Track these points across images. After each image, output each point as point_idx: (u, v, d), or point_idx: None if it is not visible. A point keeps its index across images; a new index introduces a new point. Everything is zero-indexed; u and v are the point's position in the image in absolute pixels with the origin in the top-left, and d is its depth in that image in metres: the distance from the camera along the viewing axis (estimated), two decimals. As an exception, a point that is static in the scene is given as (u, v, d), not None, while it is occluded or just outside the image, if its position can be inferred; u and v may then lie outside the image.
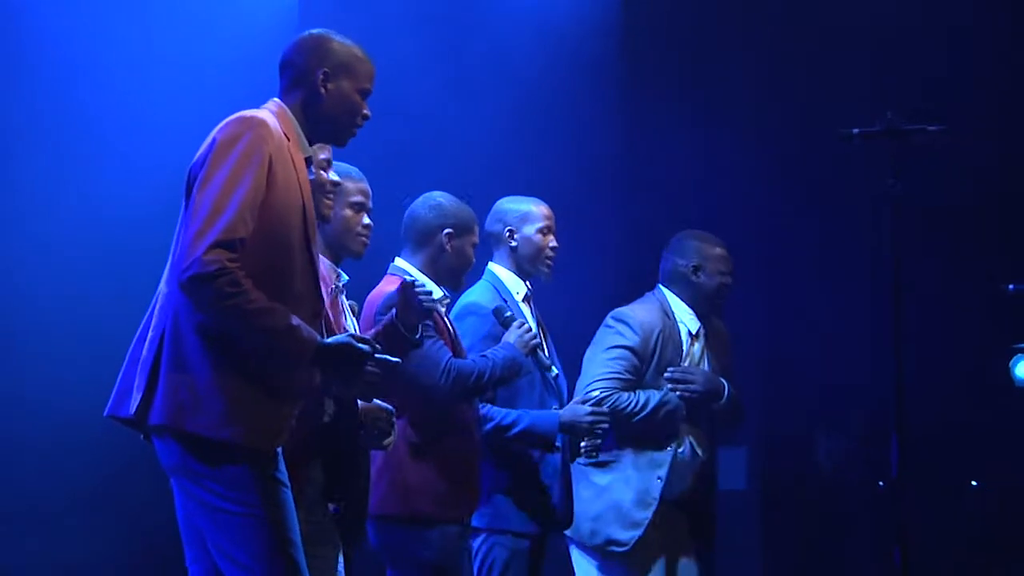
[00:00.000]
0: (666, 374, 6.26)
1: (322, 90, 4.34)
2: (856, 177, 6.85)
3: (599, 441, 5.98)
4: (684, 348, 6.39)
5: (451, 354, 5.53)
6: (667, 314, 6.40)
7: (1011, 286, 6.50)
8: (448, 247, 5.70)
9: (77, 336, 6.97)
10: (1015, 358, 8.80)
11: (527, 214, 6.11)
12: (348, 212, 5.12)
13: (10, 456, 7.32)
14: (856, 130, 5.35)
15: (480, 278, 6.15)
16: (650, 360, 6.31)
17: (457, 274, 5.76)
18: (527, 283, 6.10)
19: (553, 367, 5.91)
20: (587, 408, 5.97)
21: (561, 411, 5.95)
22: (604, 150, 8.38)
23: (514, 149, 7.96)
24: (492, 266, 6.12)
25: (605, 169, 8.20)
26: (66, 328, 7.20)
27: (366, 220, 5.16)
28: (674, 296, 6.44)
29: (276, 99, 4.36)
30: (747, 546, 8.28)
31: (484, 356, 5.65)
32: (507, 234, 6.10)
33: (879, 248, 5.26)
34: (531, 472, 5.96)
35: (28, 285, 7.38)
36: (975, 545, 8.70)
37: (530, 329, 5.76)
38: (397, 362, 4.45)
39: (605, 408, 6.05)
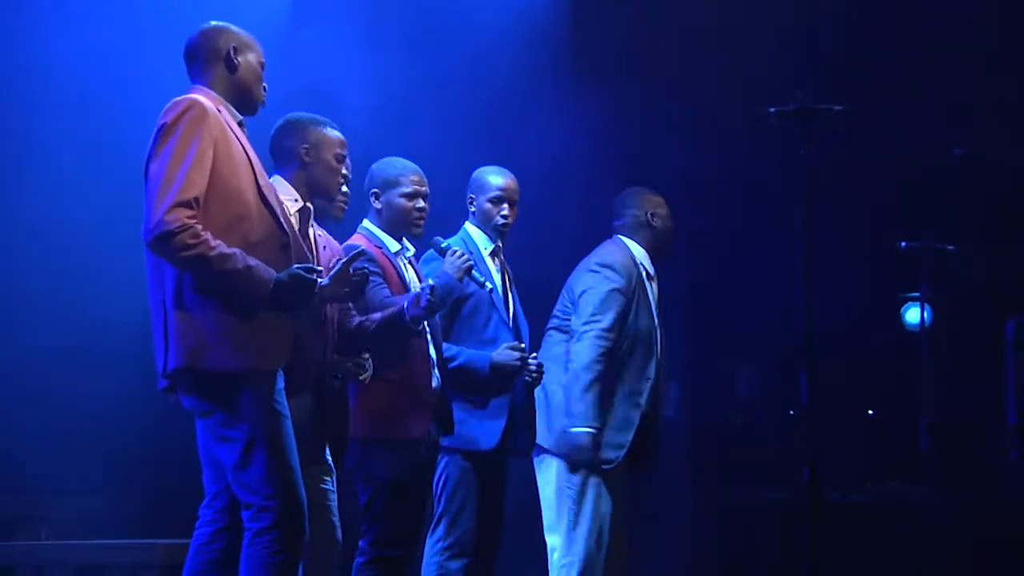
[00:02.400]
0: None
1: (236, 62, 4.51)
2: (773, 148, 6.89)
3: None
4: (648, 290, 6.42)
5: (388, 294, 5.46)
6: (632, 259, 6.42)
7: (903, 243, 6.57)
8: (378, 204, 5.69)
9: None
10: (905, 305, 8.96)
11: (482, 184, 6.12)
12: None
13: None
14: (772, 109, 5.28)
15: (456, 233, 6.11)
16: (632, 298, 6.33)
17: (401, 225, 5.69)
18: (496, 241, 6.10)
19: (488, 283, 5.75)
20: (516, 354, 5.90)
21: (493, 353, 5.90)
22: (556, 132, 8.24)
23: (473, 126, 7.91)
24: (467, 225, 6.15)
25: (560, 150, 8.10)
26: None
27: (344, 188, 5.26)
28: (634, 243, 6.44)
29: (195, 85, 4.50)
30: (676, 467, 8.20)
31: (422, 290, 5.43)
32: (468, 201, 6.14)
33: (794, 210, 5.23)
34: (487, 398, 5.96)
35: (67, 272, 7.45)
36: (872, 464, 8.77)
37: (463, 255, 5.60)
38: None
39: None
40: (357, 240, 5.63)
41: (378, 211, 5.70)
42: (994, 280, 8.20)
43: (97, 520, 7.81)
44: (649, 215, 6.46)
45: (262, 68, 4.59)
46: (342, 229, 5.66)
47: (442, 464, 5.91)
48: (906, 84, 8.73)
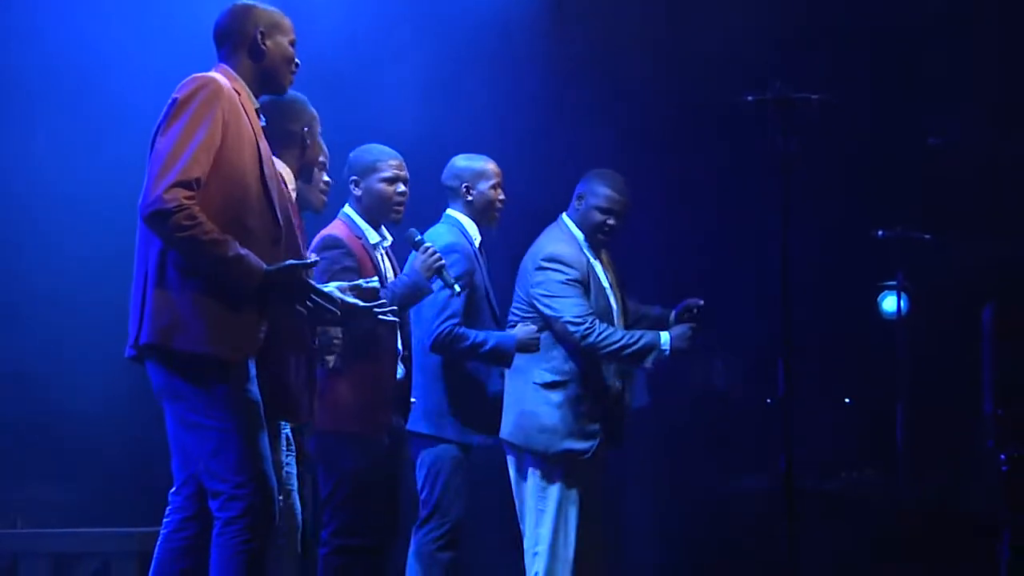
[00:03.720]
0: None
1: (263, 47, 4.39)
2: (750, 136, 6.88)
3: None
4: (599, 273, 6.33)
5: None
6: (578, 246, 6.32)
7: (880, 232, 6.51)
8: (358, 191, 5.62)
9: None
10: (882, 294, 8.94)
11: (481, 171, 6.05)
12: (315, 172, 5.17)
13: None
14: (750, 97, 5.29)
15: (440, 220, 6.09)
16: (587, 283, 6.24)
17: (380, 211, 5.62)
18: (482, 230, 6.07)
19: (456, 286, 5.68)
20: (535, 332, 5.97)
21: (517, 332, 5.96)
22: (532, 116, 8.29)
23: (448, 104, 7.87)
24: (453, 212, 6.07)
25: (536, 134, 8.12)
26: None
27: (326, 178, 5.22)
28: (575, 226, 6.35)
29: (220, 64, 4.40)
30: (651, 456, 8.26)
31: (388, 288, 5.49)
32: (464, 189, 6.03)
33: (771, 198, 5.22)
34: (478, 388, 5.96)
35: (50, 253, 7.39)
36: (849, 452, 8.76)
37: (434, 252, 5.58)
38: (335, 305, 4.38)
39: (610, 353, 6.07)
40: (337, 228, 5.58)
41: (358, 198, 5.66)
42: (970, 269, 8.16)
43: (72, 509, 7.78)
44: (579, 199, 6.36)
45: (292, 47, 4.48)
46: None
47: (432, 455, 5.88)
48: (882, 74, 8.70)
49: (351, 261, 5.40)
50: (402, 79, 7.71)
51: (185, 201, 4.07)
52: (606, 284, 6.35)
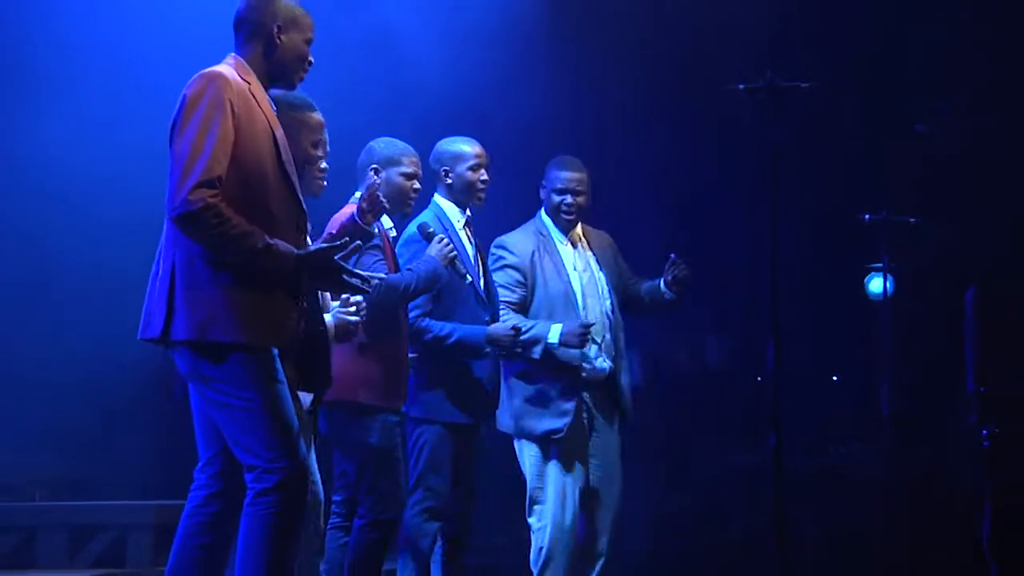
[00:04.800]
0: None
1: (277, 41, 4.34)
2: (743, 123, 6.88)
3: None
4: (560, 255, 6.31)
5: (387, 270, 5.47)
6: (541, 233, 6.32)
7: (867, 216, 6.50)
8: (377, 180, 5.57)
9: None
10: (868, 276, 8.96)
11: (459, 154, 6.00)
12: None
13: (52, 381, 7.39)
14: (742, 85, 5.25)
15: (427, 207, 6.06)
16: (532, 266, 6.22)
17: (395, 203, 5.64)
18: (466, 211, 6.02)
19: (468, 275, 5.77)
20: (510, 328, 5.89)
21: (490, 327, 5.88)
22: (531, 101, 8.27)
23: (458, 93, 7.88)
24: (436, 197, 6.05)
25: (534, 118, 8.10)
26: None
27: (323, 164, 5.15)
28: (544, 213, 6.39)
29: (232, 54, 4.36)
30: (645, 432, 8.27)
31: (409, 270, 5.60)
32: (443, 173, 6.00)
33: (762, 182, 5.18)
34: (462, 371, 5.90)
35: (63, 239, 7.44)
36: (835, 427, 8.82)
37: (448, 243, 5.68)
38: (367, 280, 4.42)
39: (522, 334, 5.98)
40: (351, 211, 5.55)
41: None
42: (953, 251, 8.13)
43: (90, 482, 7.82)
44: (543, 188, 6.39)
45: (308, 45, 4.44)
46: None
47: (417, 432, 5.87)
48: (870, 62, 8.71)
49: (380, 240, 5.48)
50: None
51: (210, 200, 4.06)
52: (572, 267, 6.34)
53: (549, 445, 6.21)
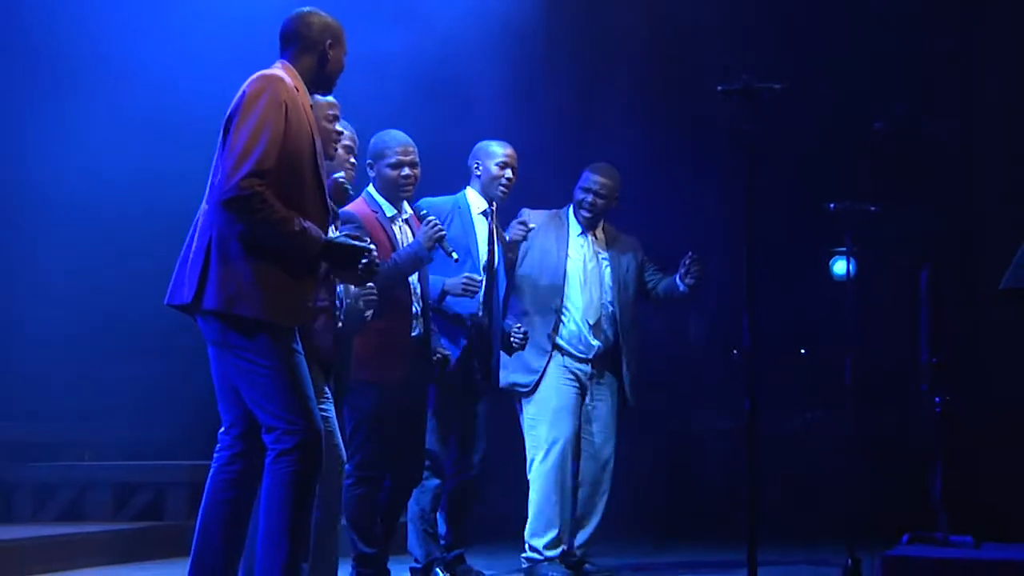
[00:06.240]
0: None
1: (328, 55, 4.46)
2: (720, 121, 6.89)
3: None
4: (569, 239, 6.44)
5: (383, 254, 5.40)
6: (560, 218, 6.49)
7: (831, 205, 6.54)
8: (372, 173, 5.70)
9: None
10: (833, 258, 9.03)
11: (490, 152, 6.17)
12: (342, 154, 5.18)
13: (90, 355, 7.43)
14: (720, 87, 5.00)
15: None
16: (534, 240, 6.33)
17: (391, 191, 5.67)
18: (492, 205, 6.13)
19: (454, 253, 5.63)
20: (463, 280, 5.86)
21: (448, 280, 5.89)
22: (537, 107, 8.36)
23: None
24: (468, 188, 6.19)
25: (542, 124, 8.18)
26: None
27: (352, 160, 5.25)
28: (573, 206, 6.53)
29: (282, 61, 4.43)
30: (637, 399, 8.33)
31: (392, 257, 5.54)
32: (475, 166, 6.18)
33: (737, 174, 5.06)
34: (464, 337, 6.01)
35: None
36: (805, 397, 8.86)
37: (436, 225, 5.58)
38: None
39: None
40: (359, 205, 5.63)
41: (374, 179, 5.72)
42: (909, 236, 8.22)
43: (132, 444, 7.82)
44: (577, 189, 6.52)
45: (346, 57, 4.54)
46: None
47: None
48: (835, 68, 8.73)
49: (361, 232, 5.34)
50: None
51: (259, 188, 4.13)
52: (577, 254, 6.45)
53: (523, 400, 6.33)
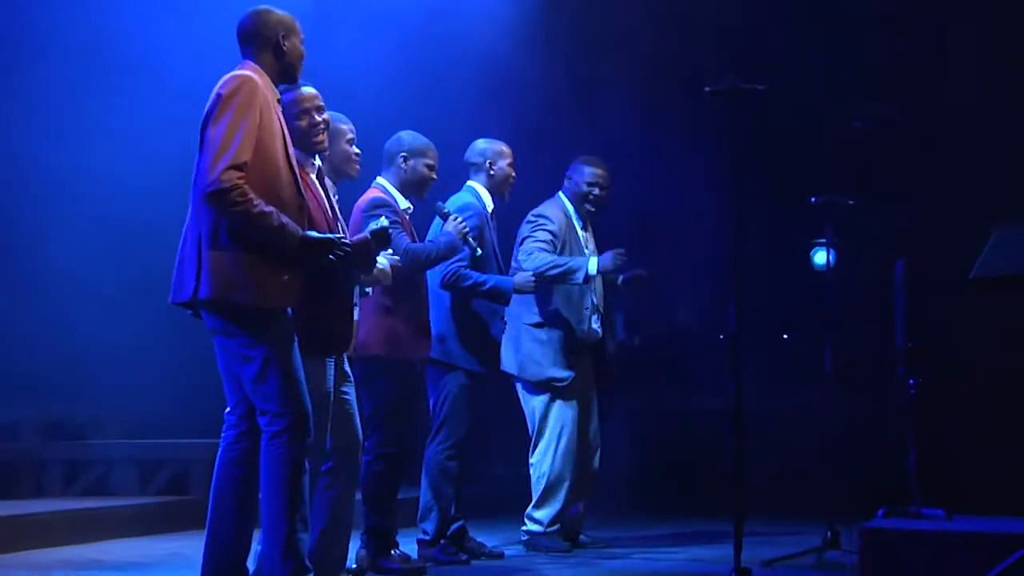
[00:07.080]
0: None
1: (284, 47, 4.51)
2: (708, 120, 6.92)
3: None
4: (579, 235, 6.46)
5: (409, 240, 5.56)
6: (564, 212, 6.48)
7: (813, 198, 6.60)
8: (405, 166, 5.72)
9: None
10: (814, 250, 9.03)
11: (501, 152, 6.21)
12: (346, 147, 5.23)
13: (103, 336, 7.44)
14: (708, 88, 5.15)
15: (460, 190, 6.19)
16: (563, 237, 6.37)
17: (416, 186, 5.73)
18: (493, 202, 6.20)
19: (478, 249, 5.81)
20: (532, 277, 6.03)
21: (514, 278, 6.05)
22: (532, 101, 8.33)
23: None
24: (473, 184, 6.20)
25: (538, 121, 8.16)
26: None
27: (356, 150, 5.29)
28: (568, 201, 6.51)
29: (247, 61, 4.48)
30: (623, 383, 8.27)
31: (431, 241, 5.68)
32: (487, 165, 6.17)
33: (725, 170, 5.13)
34: (483, 326, 6.04)
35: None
36: (788, 377, 8.79)
37: (463, 221, 5.72)
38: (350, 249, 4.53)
39: (539, 273, 6.12)
40: (374, 193, 5.66)
41: (401, 171, 5.72)
42: (886, 229, 8.23)
43: (156, 422, 7.83)
44: (568, 179, 6.52)
45: (303, 44, 4.58)
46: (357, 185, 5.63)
47: (444, 379, 5.94)
48: (817, 70, 8.71)
49: (395, 217, 5.53)
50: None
51: (238, 181, 4.19)
52: (584, 246, 6.47)
53: (551, 391, 6.32)
